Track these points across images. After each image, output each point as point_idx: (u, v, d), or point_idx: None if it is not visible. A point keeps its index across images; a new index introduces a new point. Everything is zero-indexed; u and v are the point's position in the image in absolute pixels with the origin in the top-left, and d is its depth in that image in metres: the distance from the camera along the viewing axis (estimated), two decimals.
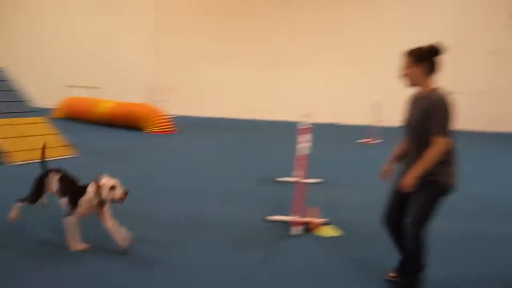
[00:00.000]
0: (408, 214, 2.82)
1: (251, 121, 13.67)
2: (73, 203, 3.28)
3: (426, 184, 2.67)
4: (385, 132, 11.65)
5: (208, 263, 3.32)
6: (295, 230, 3.97)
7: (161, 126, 10.08)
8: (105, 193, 3.18)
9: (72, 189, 3.36)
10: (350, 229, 4.21)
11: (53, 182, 3.46)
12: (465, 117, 12.53)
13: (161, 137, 9.49)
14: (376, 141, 10.23)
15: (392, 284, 2.91)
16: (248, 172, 6.54)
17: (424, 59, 2.69)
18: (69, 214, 3.29)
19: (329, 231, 4.08)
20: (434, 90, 2.71)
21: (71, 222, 3.28)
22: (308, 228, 4.07)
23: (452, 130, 2.66)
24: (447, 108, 2.62)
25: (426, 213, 2.75)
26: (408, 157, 2.85)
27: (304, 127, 4.39)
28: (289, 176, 5.95)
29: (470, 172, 5.91)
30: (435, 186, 2.69)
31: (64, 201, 3.37)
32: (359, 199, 5.35)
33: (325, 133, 11.91)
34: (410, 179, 2.67)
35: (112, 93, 13.15)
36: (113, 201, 3.23)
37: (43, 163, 3.66)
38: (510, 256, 3.76)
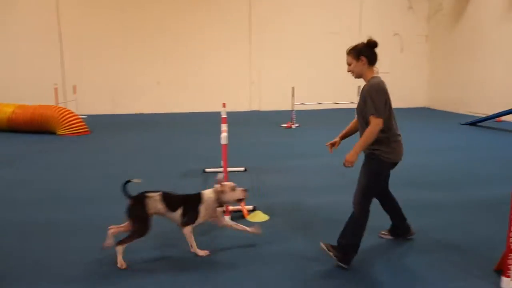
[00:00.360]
0: (357, 183, 3.12)
1: (172, 115, 13.34)
2: (191, 212, 3.26)
3: (371, 158, 3.05)
4: (306, 115, 12.07)
5: (138, 263, 3.17)
6: (227, 219, 3.96)
7: (73, 128, 9.41)
8: (227, 195, 3.29)
9: (184, 200, 3.31)
10: (277, 212, 4.29)
11: (156, 204, 3.19)
12: None
13: (74, 139, 8.86)
14: (296, 125, 10.56)
15: (328, 247, 3.12)
16: (176, 165, 6.36)
17: (362, 54, 3.01)
18: (187, 223, 3.25)
19: (258, 217, 4.13)
20: (371, 79, 3.02)
21: (190, 231, 3.27)
22: (241, 215, 4.13)
23: (389, 112, 2.99)
24: (379, 93, 2.92)
25: (370, 184, 3.06)
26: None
27: (223, 116, 4.36)
28: (219, 166, 5.91)
29: None
30: (378, 161, 3.02)
31: (177, 214, 3.25)
32: (284, 182, 5.48)
33: (250, 120, 12.05)
34: (351, 156, 2.97)
35: (12, 96, 11.97)
36: (235, 201, 3.37)
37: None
38: (435, 220, 4.10)
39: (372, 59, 3.03)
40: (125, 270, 3.05)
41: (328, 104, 11.74)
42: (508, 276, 2.70)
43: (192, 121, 11.97)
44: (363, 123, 3.04)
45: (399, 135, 3.10)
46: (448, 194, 4.89)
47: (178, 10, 13.77)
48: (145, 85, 13.89)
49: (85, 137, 9.20)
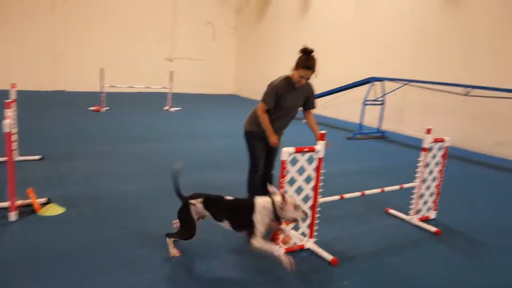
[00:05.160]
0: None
1: None
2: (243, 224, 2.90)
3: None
4: (117, 97, 11.59)
5: None
6: (13, 215, 3.57)
7: None
8: (289, 212, 2.82)
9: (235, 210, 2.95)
10: (75, 203, 4.08)
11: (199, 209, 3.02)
12: (184, 81, 13.82)
13: None
14: (106, 108, 10.06)
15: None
16: None
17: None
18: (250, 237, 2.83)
19: (52, 210, 3.85)
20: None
21: (259, 244, 2.78)
22: (32, 210, 3.78)
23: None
24: (268, 87, 3.96)
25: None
26: None
27: (10, 99, 3.87)
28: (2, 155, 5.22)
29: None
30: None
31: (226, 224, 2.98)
32: (86, 170, 5.22)
33: (55, 101, 10.88)
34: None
35: None
36: (292, 221, 2.93)
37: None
38: None
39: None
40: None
41: (140, 88, 11.54)
42: (278, 244, 3.24)
43: None
44: (293, 115, 3.98)
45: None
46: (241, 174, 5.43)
47: None
48: None
49: None
